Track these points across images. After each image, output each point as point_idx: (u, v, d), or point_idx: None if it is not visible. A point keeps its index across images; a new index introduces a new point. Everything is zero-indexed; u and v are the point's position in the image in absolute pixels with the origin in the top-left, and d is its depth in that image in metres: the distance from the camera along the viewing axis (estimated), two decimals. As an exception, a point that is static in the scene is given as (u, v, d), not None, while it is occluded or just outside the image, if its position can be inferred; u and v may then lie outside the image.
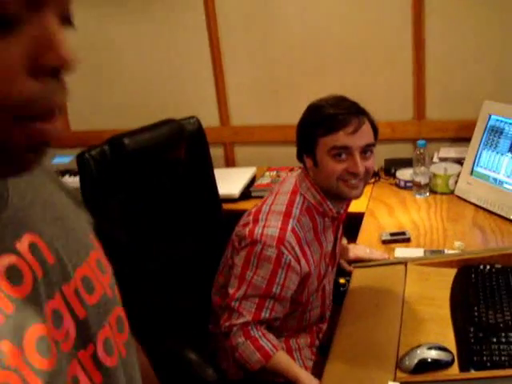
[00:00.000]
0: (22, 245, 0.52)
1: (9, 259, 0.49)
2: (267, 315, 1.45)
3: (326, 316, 1.72)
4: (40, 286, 0.52)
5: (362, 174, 1.45)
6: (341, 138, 1.43)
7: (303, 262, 1.46)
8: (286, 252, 1.42)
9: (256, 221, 1.48)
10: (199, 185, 1.94)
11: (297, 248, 1.44)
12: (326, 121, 1.45)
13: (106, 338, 0.60)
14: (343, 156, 1.44)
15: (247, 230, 1.47)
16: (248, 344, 1.43)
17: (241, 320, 1.44)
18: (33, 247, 0.53)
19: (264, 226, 1.45)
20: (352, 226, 2.02)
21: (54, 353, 0.50)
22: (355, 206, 2.24)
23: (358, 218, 2.11)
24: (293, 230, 1.45)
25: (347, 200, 1.58)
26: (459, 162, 2.30)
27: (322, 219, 1.54)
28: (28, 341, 0.47)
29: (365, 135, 1.45)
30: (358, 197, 1.52)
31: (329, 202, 1.52)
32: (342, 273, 1.85)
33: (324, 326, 1.71)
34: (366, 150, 1.47)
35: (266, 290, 1.43)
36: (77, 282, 0.58)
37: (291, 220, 1.46)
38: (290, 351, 1.57)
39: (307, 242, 1.49)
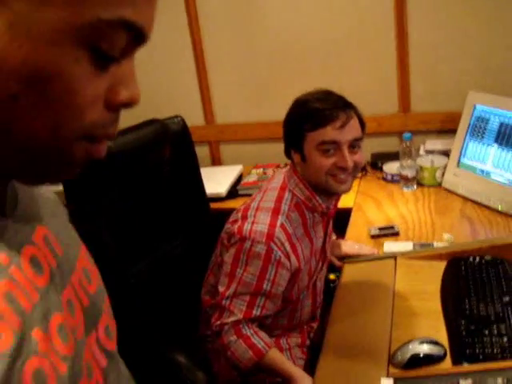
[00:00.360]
0: (38, 237, 0.56)
1: (30, 250, 0.54)
2: (258, 313, 1.43)
3: (317, 315, 1.70)
4: (55, 277, 0.56)
5: (350, 168, 1.44)
6: (329, 132, 1.42)
7: (293, 257, 1.45)
8: (275, 248, 1.40)
9: (245, 217, 1.46)
10: (186, 185, 1.92)
11: (286, 244, 1.43)
12: (313, 116, 1.43)
13: (106, 325, 0.65)
14: (331, 151, 1.43)
15: (236, 226, 1.45)
16: (240, 342, 1.41)
17: (232, 318, 1.42)
18: (46, 239, 0.58)
19: (253, 223, 1.43)
20: (340, 221, 2.01)
21: (72, 339, 0.55)
22: (343, 201, 2.23)
23: (346, 214, 2.10)
24: (282, 225, 1.44)
25: (336, 195, 1.57)
26: (446, 153, 2.30)
27: (311, 215, 1.52)
28: (52, 328, 0.51)
29: (352, 129, 1.44)
30: (346, 191, 1.51)
31: (318, 198, 1.50)
32: (332, 269, 1.84)
33: (315, 325, 1.70)
34: (354, 145, 1.45)
35: (256, 287, 1.42)
36: (79, 273, 0.63)
37: (280, 216, 1.45)
38: (280, 351, 1.56)
39: (297, 237, 1.48)
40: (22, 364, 0.46)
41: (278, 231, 1.42)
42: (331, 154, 1.43)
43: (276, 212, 1.45)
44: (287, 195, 1.50)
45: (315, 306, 1.66)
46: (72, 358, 0.53)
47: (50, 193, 0.69)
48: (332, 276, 1.96)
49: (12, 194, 0.56)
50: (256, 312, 1.43)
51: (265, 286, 1.42)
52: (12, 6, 0.43)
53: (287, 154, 1.54)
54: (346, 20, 2.50)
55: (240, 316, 1.42)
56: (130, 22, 0.47)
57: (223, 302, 1.44)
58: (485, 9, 2.32)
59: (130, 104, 0.51)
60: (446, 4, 2.36)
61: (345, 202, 2.22)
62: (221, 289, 1.45)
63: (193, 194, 1.97)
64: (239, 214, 1.50)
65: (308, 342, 1.66)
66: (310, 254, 1.54)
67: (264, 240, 1.40)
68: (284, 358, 1.46)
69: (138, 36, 0.49)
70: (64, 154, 0.50)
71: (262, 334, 1.45)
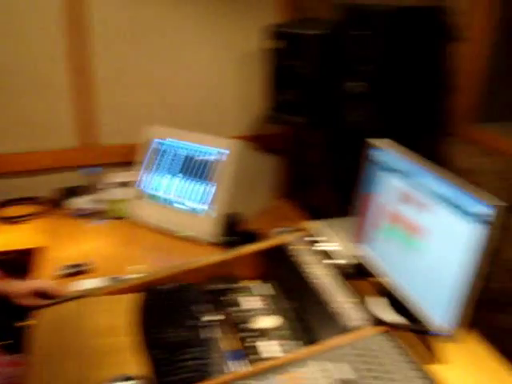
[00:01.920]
0: None
1: None
2: None
3: None
4: None
5: None
6: None
7: None
8: None
9: None
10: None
11: None
12: None
13: None
14: None
15: None
16: None
17: None
18: None
19: None
20: (22, 263, 1.84)
21: None
22: (22, 242, 2.05)
23: (28, 255, 1.92)
24: None
25: None
26: (130, 185, 2.30)
27: None
28: None
29: None
30: None
31: None
32: (19, 314, 1.64)
33: None
34: None
35: None
36: None
37: None
38: None
39: None
40: None
41: None
42: None
43: None
44: None
45: None
46: None
47: None
48: (21, 323, 1.76)
49: None
50: None
51: None
52: None
53: None
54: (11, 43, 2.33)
55: None
56: None
57: None
58: (166, 43, 2.44)
59: None
60: (126, 40, 2.40)
61: (25, 242, 2.05)
62: None
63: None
64: None
65: None
66: None
67: None
68: None
69: None
70: None
71: None
